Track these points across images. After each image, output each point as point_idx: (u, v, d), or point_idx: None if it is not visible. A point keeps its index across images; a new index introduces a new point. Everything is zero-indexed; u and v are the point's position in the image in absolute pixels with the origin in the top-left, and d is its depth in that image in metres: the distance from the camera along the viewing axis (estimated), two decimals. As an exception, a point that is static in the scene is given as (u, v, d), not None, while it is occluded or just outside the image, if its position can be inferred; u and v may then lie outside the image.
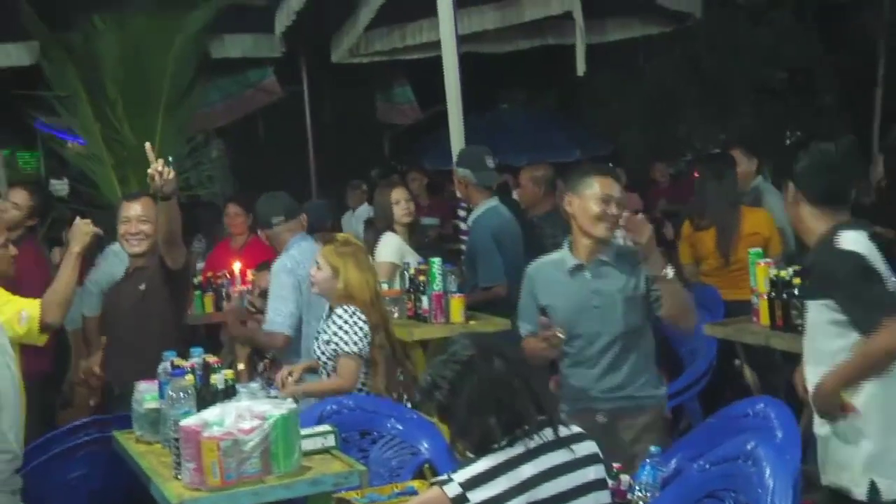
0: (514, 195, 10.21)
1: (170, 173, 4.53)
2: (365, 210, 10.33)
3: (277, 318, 5.29)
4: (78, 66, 9.11)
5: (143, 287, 4.94)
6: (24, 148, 12.22)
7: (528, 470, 2.79)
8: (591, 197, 4.07)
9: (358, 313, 4.61)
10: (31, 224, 6.30)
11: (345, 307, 4.64)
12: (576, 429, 2.95)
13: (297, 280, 5.28)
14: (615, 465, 3.44)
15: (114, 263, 5.73)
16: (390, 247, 6.31)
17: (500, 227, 6.19)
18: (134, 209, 5.03)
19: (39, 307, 4.39)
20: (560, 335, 3.96)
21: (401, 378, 4.83)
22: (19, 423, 3.30)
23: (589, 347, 4.12)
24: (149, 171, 4.53)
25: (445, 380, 2.86)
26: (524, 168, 7.48)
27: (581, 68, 7.83)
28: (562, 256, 4.21)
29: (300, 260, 5.33)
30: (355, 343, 4.56)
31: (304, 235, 5.57)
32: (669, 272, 3.99)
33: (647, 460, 3.40)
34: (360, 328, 4.58)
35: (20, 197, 6.19)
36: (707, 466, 3.19)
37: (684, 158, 13.96)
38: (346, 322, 4.59)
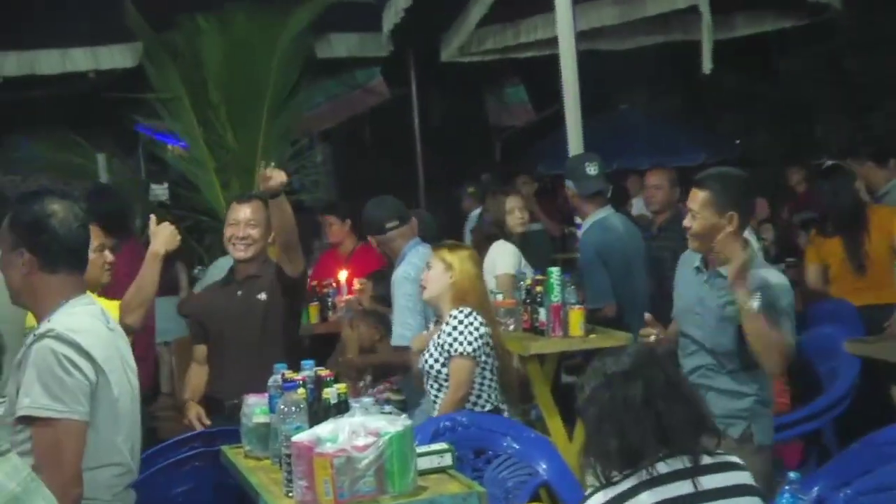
0: (633, 202, 10.18)
1: (280, 173, 4.64)
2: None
3: (407, 331, 5.28)
4: (181, 67, 9.36)
5: (263, 297, 4.99)
6: (124, 152, 12.56)
7: (645, 499, 2.76)
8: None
9: (475, 314, 4.64)
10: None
11: (460, 308, 4.68)
12: (728, 458, 2.91)
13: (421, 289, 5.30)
14: None
15: (221, 269, 5.83)
16: (511, 256, 6.29)
17: (606, 242, 6.08)
18: (243, 212, 5.09)
19: (119, 309, 4.51)
20: (654, 334, 4.20)
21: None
22: (136, 436, 3.39)
23: (681, 351, 4.29)
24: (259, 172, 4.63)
25: (587, 388, 2.87)
26: (649, 172, 7.43)
27: (707, 66, 7.74)
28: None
29: (422, 266, 5.34)
30: (469, 343, 4.59)
31: (418, 241, 5.59)
32: (754, 306, 3.95)
33: (787, 487, 3.34)
34: (476, 328, 4.61)
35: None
36: (855, 496, 3.13)
37: (819, 162, 13.69)
38: (460, 322, 4.63)
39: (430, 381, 4.82)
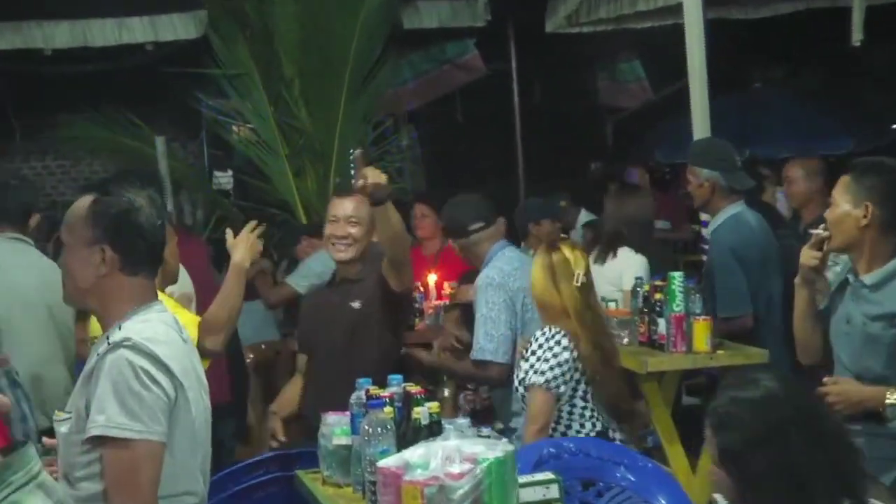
0: (779, 196, 10.05)
1: (380, 175, 4.64)
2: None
3: (489, 344, 5.31)
4: (251, 39, 9.48)
5: (357, 305, 5.08)
6: (185, 135, 12.79)
7: None
8: None
9: (559, 336, 4.63)
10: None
11: (547, 328, 4.70)
12: None
13: (508, 296, 5.33)
14: None
15: (322, 263, 5.86)
16: (642, 269, 6.27)
17: (744, 240, 6.00)
18: (343, 207, 5.14)
19: (198, 329, 4.54)
20: None
21: None
22: (208, 462, 3.43)
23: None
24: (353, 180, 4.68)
25: (743, 431, 2.80)
26: (792, 161, 7.35)
27: (857, 37, 7.63)
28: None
29: (509, 271, 5.37)
30: (542, 373, 4.58)
31: (505, 243, 5.62)
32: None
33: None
34: (555, 354, 4.59)
35: None
36: None
37: None
38: (540, 346, 4.64)
39: (520, 405, 4.88)
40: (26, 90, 11.26)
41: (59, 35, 9.33)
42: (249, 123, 10.07)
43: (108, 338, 3.17)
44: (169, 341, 3.22)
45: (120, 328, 3.17)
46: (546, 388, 4.59)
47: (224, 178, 12.22)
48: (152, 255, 3.29)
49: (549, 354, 4.60)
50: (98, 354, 3.16)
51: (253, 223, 4.89)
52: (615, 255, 6.70)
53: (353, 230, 5.09)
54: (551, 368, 4.59)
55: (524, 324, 5.29)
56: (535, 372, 4.61)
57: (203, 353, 4.38)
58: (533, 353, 4.64)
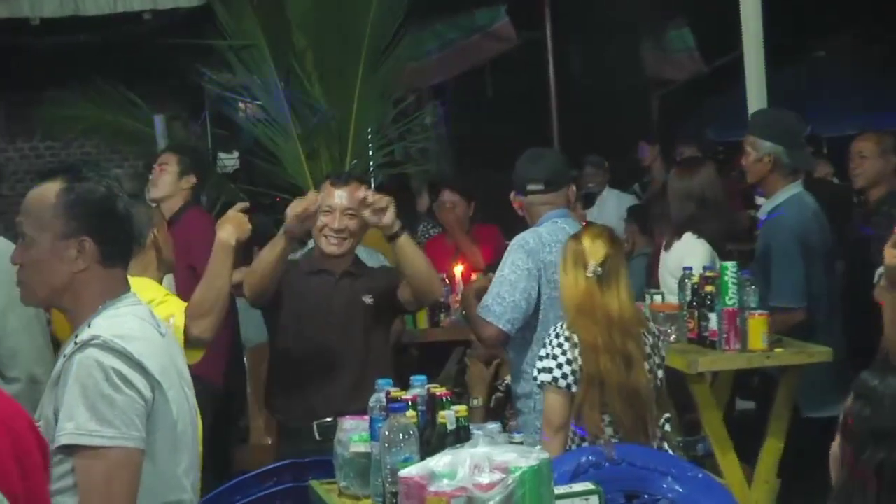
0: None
1: (381, 200, 4.81)
2: (614, 196, 10.38)
3: (497, 306, 5.25)
4: (258, 7, 9.49)
5: (369, 301, 5.12)
6: (187, 112, 12.83)
7: None
8: None
9: (567, 332, 4.66)
10: (188, 187, 6.87)
11: (560, 324, 4.75)
12: None
13: (537, 266, 5.26)
14: None
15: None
16: (705, 252, 6.23)
17: (806, 224, 6.00)
18: (338, 197, 5.18)
19: (184, 315, 4.53)
20: None
21: None
22: (196, 467, 3.44)
23: None
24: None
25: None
26: (865, 135, 7.31)
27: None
28: None
29: (549, 241, 5.29)
30: (549, 370, 4.63)
31: (565, 212, 5.60)
32: None
33: None
34: (564, 351, 4.63)
35: (167, 161, 6.90)
36: None
37: None
38: (550, 343, 4.68)
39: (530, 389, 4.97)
40: (12, 64, 11.31)
41: (48, 3, 9.37)
42: (257, 100, 10.08)
43: (76, 337, 3.15)
44: (144, 337, 3.20)
45: (90, 325, 3.15)
46: (556, 387, 4.63)
47: (229, 161, 12.26)
48: (130, 244, 3.32)
49: (558, 351, 4.65)
50: (64, 356, 3.15)
51: (243, 204, 4.91)
52: (680, 238, 6.57)
53: (351, 223, 5.13)
54: (559, 366, 4.63)
55: (550, 301, 5.25)
56: (544, 370, 4.66)
57: (191, 341, 4.43)
58: (544, 350, 4.70)
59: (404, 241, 4.83)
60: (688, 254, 6.27)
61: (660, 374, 4.81)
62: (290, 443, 5.20)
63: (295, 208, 4.95)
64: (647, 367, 4.70)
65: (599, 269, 4.65)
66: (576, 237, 4.78)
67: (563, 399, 4.65)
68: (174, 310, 4.49)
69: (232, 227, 4.73)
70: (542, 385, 4.69)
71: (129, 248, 3.31)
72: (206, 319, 4.54)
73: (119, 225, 3.24)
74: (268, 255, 5.01)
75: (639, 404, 4.65)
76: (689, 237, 6.34)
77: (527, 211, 5.62)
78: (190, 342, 4.42)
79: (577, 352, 4.62)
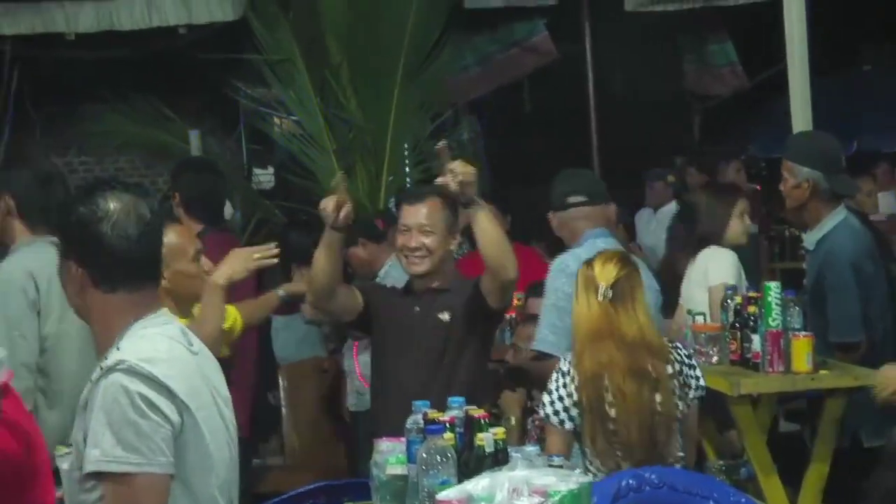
0: (880, 197, 9.97)
1: (469, 170, 4.71)
2: (672, 210, 10.32)
3: (550, 336, 5.28)
4: (294, 21, 9.54)
5: (446, 317, 5.08)
6: (222, 128, 12.89)
7: None
8: None
9: (567, 365, 4.64)
10: None
11: (565, 356, 4.73)
12: None
13: None
14: None
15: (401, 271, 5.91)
16: (730, 264, 6.19)
17: (859, 251, 5.91)
18: (415, 215, 5.13)
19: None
20: None
21: None
22: (235, 485, 3.43)
23: None
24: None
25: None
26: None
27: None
28: None
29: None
30: (543, 406, 4.64)
31: (606, 232, 5.57)
32: None
33: None
34: (564, 384, 4.60)
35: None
36: None
37: None
38: (553, 377, 4.67)
39: None
40: (47, 79, 11.37)
41: (84, 17, 9.44)
42: (293, 115, 10.13)
43: (103, 361, 3.13)
44: (171, 358, 3.17)
45: (118, 348, 3.13)
46: (550, 423, 4.64)
47: (265, 176, 12.30)
48: (129, 270, 3.19)
49: (557, 385, 4.64)
50: (91, 381, 3.14)
51: (270, 247, 4.94)
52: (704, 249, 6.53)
53: (427, 240, 5.07)
54: (552, 402, 4.62)
55: None
56: (543, 405, 4.67)
57: None
58: (549, 384, 4.68)
59: (480, 209, 4.77)
60: (712, 260, 6.24)
61: (680, 405, 4.74)
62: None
63: (327, 204, 4.90)
64: (671, 387, 4.68)
65: (610, 291, 4.62)
66: (587, 263, 4.75)
67: (557, 436, 4.64)
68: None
69: (227, 268, 4.76)
70: (542, 420, 4.72)
71: (126, 275, 3.19)
72: None
73: (99, 249, 3.14)
74: (320, 254, 4.97)
75: (655, 425, 4.62)
76: (713, 248, 6.31)
77: (566, 228, 5.60)
78: None
79: (574, 386, 4.60)
